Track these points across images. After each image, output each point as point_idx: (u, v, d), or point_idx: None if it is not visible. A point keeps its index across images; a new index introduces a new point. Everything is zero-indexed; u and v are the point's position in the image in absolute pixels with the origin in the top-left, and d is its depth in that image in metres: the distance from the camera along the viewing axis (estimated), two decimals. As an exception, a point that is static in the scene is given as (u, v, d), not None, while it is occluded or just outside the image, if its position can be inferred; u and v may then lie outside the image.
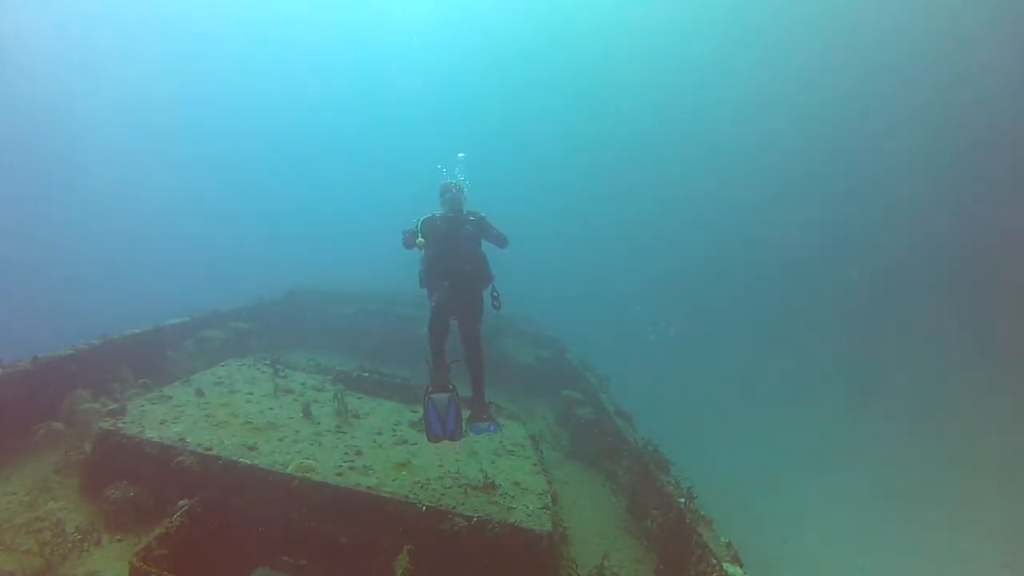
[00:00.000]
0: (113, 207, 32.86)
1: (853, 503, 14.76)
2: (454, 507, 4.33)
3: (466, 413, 4.99)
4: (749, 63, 35.77)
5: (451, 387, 4.57)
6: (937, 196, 32.10)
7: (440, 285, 4.95)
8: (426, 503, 4.31)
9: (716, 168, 39.88)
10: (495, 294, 5.14)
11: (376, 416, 6.06)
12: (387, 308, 12.40)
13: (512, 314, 11.93)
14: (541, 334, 12.63)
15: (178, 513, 3.94)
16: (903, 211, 33.56)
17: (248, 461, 4.40)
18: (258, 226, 39.04)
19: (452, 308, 4.95)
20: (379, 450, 5.16)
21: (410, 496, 4.35)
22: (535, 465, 5.57)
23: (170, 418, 4.90)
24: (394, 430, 5.74)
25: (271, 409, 5.61)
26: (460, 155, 6.04)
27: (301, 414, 5.59)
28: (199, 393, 5.58)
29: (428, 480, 4.73)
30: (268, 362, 6.92)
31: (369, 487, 4.37)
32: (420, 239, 4.87)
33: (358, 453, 4.97)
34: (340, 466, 4.63)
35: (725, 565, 4.02)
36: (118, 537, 4.02)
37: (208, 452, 4.41)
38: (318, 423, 5.51)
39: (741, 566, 4.06)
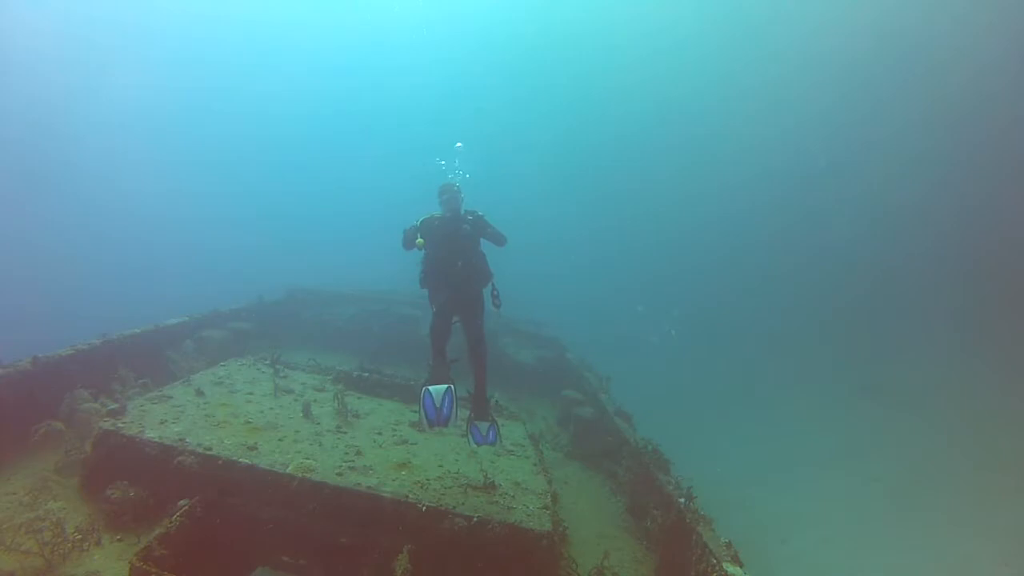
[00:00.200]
0: (113, 207, 32.88)
1: (853, 502, 14.76)
2: (454, 507, 4.33)
3: (466, 413, 5.02)
4: (752, 63, 35.77)
5: (450, 380, 4.63)
6: (937, 196, 32.10)
7: (440, 286, 5.02)
8: (426, 503, 4.31)
9: (717, 168, 39.90)
10: (495, 292, 5.19)
11: (376, 416, 6.07)
12: (387, 308, 12.41)
13: (512, 314, 11.95)
14: (541, 334, 12.62)
15: (178, 513, 3.94)
16: (903, 211, 33.57)
17: (248, 461, 4.40)
18: (258, 226, 39.03)
19: (454, 309, 5.03)
20: (379, 450, 5.17)
21: (410, 496, 4.35)
22: (535, 465, 5.57)
23: (170, 418, 4.90)
24: (394, 430, 5.74)
25: (271, 409, 5.61)
26: (458, 145, 6.07)
27: (301, 414, 5.59)
28: (199, 393, 5.58)
29: (428, 480, 4.73)
30: (268, 362, 6.93)
31: (369, 487, 4.38)
32: (420, 240, 4.92)
33: (358, 453, 4.98)
34: (340, 466, 4.64)
35: (725, 565, 4.02)
36: (118, 537, 4.02)
37: (208, 452, 4.41)
38: (318, 423, 5.51)
39: (741, 566, 4.05)
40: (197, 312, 8.76)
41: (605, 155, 43.11)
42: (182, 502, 4.08)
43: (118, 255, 29.45)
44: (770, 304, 36.06)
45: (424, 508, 4.26)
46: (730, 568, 3.99)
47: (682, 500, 5.12)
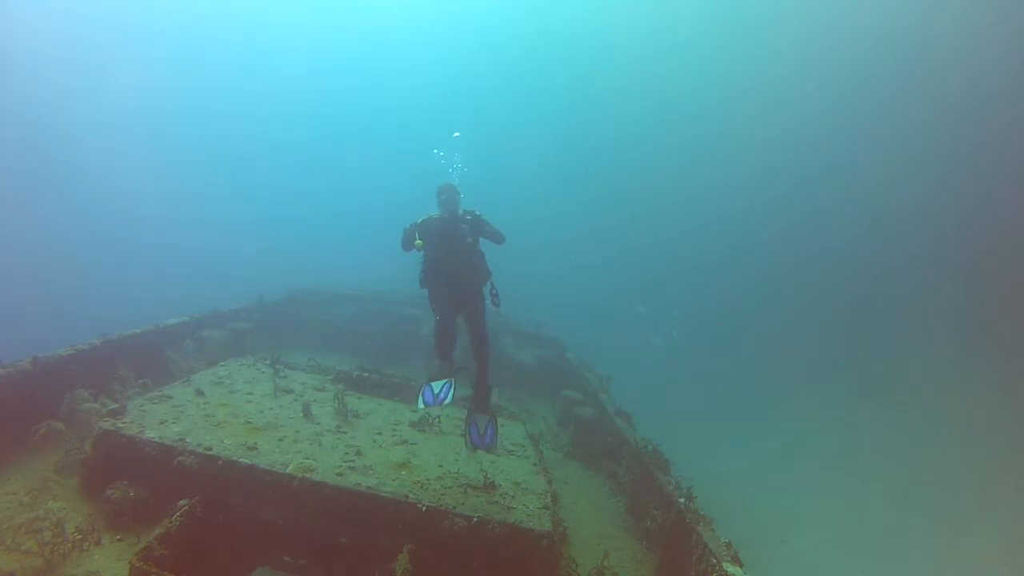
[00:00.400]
0: (113, 207, 32.88)
1: (853, 502, 14.76)
2: (454, 507, 4.33)
3: (465, 413, 5.07)
4: (752, 63, 35.75)
5: (453, 376, 4.86)
6: (937, 196, 32.10)
7: (440, 286, 5.11)
8: (426, 503, 4.30)
9: (717, 168, 39.88)
10: (494, 291, 5.23)
11: (376, 416, 6.07)
12: (387, 308, 12.40)
13: (513, 314, 11.95)
14: (541, 334, 12.62)
15: (178, 513, 3.94)
16: (903, 211, 33.55)
17: (248, 461, 4.40)
18: (258, 226, 39.03)
19: (456, 308, 5.14)
20: (379, 450, 5.17)
21: (410, 496, 4.35)
22: (535, 465, 5.57)
23: (170, 418, 4.90)
24: (394, 430, 5.74)
25: (271, 409, 5.61)
26: (455, 135, 6.09)
27: (301, 414, 5.59)
28: (199, 393, 5.58)
29: (428, 480, 4.73)
30: (268, 362, 6.92)
31: (369, 487, 4.37)
32: (418, 241, 4.97)
33: (358, 453, 4.97)
34: (340, 466, 4.64)
35: (725, 565, 4.02)
36: (118, 537, 4.02)
37: (208, 452, 4.41)
38: (318, 423, 5.51)
39: (741, 566, 4.05)
40: (197, 312, 8.75)
41: (605, 155, 43.11)
42: (182, 502, 4.08)
43: (118, 255, 29.45)
44: (770, 304, 36.05)
45: (424, 508, 4.26)
46: (730, 568, 3.99)
47: (682, 500, 5.12)
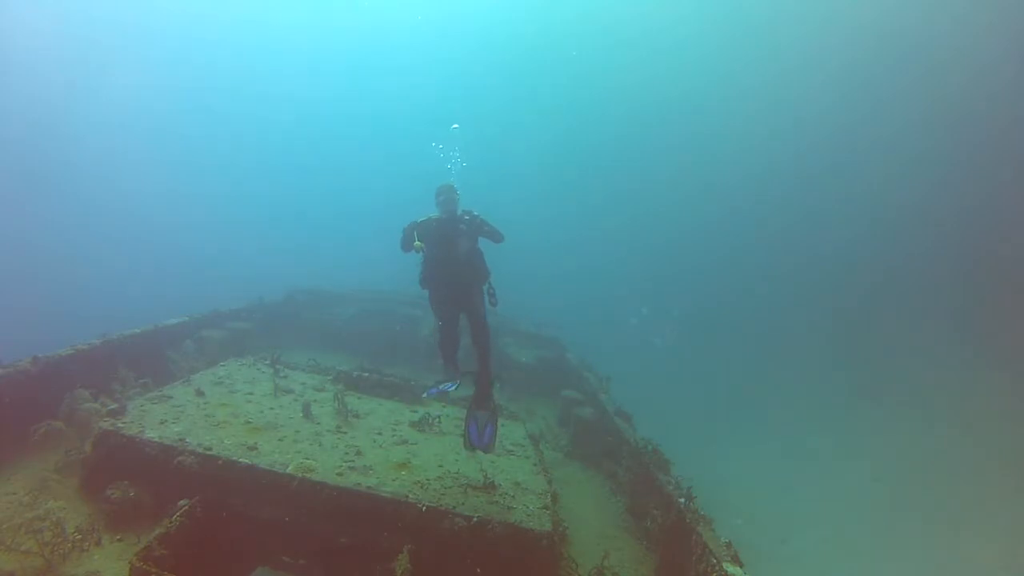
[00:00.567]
0: (113, 207, 32.87)
1: (853, 503, 14.76)
2: (454, 507, 4.33)
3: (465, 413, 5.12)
4: (752, 63, 35.74)
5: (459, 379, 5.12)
6: (937, 196, 32.08)
7: (440, 286, 5.17)
8: (426, 503, 4.31)
9: (717, 168, 39.86)
10: (491, 290, 5.26)
11: (376, 416, 6.07)
12: (387, 308, 12.40)
13: (513, 314, 11.95)
14: (541, 334, 12.62)
15: (178, 513, 3.94)
16: (903, 211, 33.53)
17: (248, 461, 4.40)
18: (258, 226, 39.04)
19: (456, 307, 5.21)
20: (379, 450, 5.17)
21: (410, 496, 4.35)
22: (535, 465, 5.57)
23: (170, 418, 4.90)
24: (394, 430, 5.74)
25: (271, 409, 5.61)
26: (454, 127, 6.10)
27: (301, 414, 5.59)
28: (199, 393, 5.58)
29: (428, 480, 4.73)
30: (268, 362, 6.92)
31: (369, 487, 4.38)
32: (418, 243, 4.96)
33: (358, 453, 4.98)
34: (340, 466, 4.64)
35: (725, 565, 4.02)
36: (118, 537, 4.02)
37: (208, 452, 4.41)
38: (318, 423, 5.51)
39: (741, 566, 4.05)
40: (197, 312, 8.76)
41: (605, 155, 43.08)
42: (182, 502, 4.08)
43: (118, 255, 29.45)
44: (770, 304, 36.04)
45: (424, 508, 4.26)
46: (730, 568, 3.99)
47: (682, 500, 5.12)
